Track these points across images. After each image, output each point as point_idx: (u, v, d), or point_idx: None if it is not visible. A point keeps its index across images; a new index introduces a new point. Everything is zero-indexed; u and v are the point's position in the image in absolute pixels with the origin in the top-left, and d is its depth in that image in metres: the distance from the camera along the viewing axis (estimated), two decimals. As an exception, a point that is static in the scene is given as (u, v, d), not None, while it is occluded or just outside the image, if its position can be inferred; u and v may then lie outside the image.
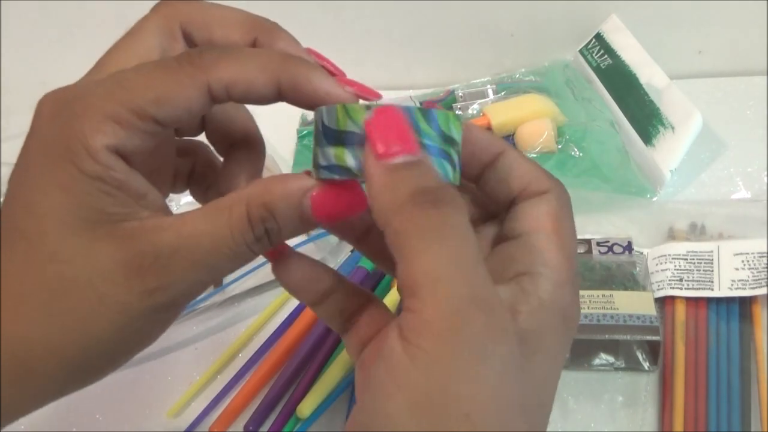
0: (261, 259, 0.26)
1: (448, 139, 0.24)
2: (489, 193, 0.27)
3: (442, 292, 0.20)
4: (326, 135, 0.23)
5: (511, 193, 0.26)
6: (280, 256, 0.27)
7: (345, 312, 0.28)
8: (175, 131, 0.30)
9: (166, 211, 0.25)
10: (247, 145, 0.29)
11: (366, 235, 0.28)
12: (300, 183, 0.24)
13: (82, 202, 0.23)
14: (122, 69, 0.24)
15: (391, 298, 0.47)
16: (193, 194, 0.32)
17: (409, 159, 0.22)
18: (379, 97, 0.26)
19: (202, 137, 0.31)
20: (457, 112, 0.66)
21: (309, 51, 0.27)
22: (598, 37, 0.65)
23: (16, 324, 0.23)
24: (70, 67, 0.73)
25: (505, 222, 0.26)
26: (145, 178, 0.24)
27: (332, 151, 0.23)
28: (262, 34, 0.27)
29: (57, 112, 0.23)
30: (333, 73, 0.26)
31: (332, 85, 0.25)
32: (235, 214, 0.23)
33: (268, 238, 0.24)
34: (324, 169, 0.24)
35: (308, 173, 0.24)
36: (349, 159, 0.23)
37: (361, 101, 0.25)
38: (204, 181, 0.31)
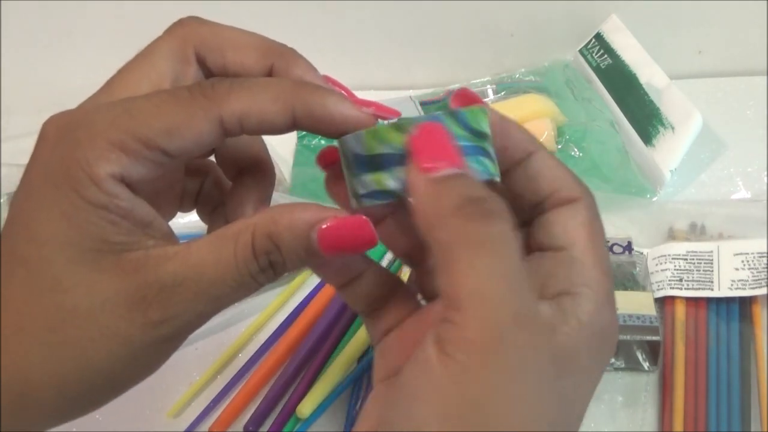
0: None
1: (480, 135, 0.23)
2: (516, 194, 0.26)
3: (485, 310, 0.20)
4: (359, 163, 0.23)
5: (539, 196, 0.25)
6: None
7: (371, 296, 0.27)
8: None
9: (172, 238, 0.24)
10: (256, 171, 0.29)
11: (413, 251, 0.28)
12: (308, 215, 0.23)
13: (85, 231, 0.22)
14: (132, 96, 0.24)
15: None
16: (199, 214, 0.31)
17: (455, 172, 0.22)
18: (397, 115, 0.25)
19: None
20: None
21: (326, 78, 0.27)
22: (598, 37, 0.65)
23: (14, 354, 0.22)
24: (70, 67, 0.74)
25: (535, 228, 0.26)
26: (152, 199, 0.24)
27: (370, 177, 0.23)
28: (278, 60, 0.26)
29: (61, 137, 0.23)
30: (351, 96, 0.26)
31: (349, 108, 0.24)
32: (240, 244, 0.23)
33: (272, 270, 0.23)
34: (365, 198, 0.23)
35: (316, 205, 0.24)
36: (390, 182, 0.23)
37: (383, 121, 0.24)
38: (211, 201, 0.31)
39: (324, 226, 0.23)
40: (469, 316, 0.20)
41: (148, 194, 0.24)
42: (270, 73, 0.26)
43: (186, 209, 0.30)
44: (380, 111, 0.25)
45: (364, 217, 0.23)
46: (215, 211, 0.31)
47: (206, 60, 0.26)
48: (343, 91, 0.26)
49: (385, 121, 0.23)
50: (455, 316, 0.20)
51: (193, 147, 0.23)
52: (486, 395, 0.19)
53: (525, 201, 0.26)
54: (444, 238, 0.21)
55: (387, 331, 0.27)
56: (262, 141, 0.29)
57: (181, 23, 0.27)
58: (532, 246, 0.26)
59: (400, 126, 0.23)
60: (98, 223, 0.22)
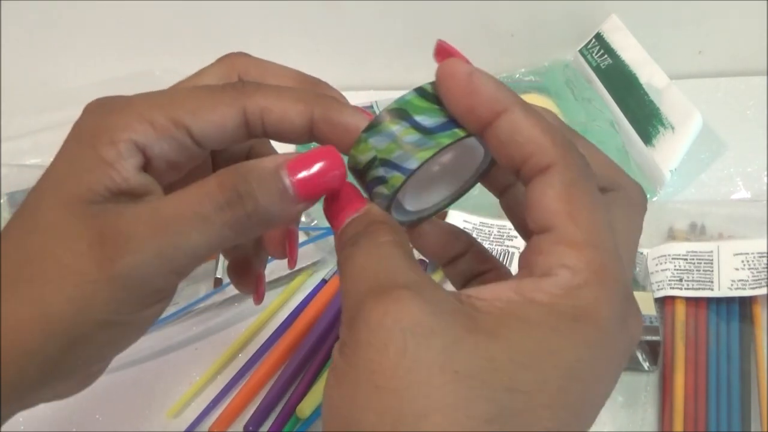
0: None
1: (416, 126, 0.23)
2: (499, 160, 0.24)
3: (348, 298, 0.21)
4: (356, 176, 0.25)
5: (513, 165, 0.22)
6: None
7: (468, 273, 0.28)
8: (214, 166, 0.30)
9: None
10: None
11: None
12: (276, 158, 0.24)
13: (81, 178, 0.23)
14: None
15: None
16: (223, 252, 0.33)
17: (348, 219, 0.24)
18: None
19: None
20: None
21: (357, 109, 0.27)
22: (598, 37, 0.65)
23: None
24: (70, 67, 0.74)
25: (525, 208, 0.23)
26: None
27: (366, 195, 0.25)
28: (316, 108, 0.27)
29: (99, 108, 0.25)
30: None
31: (363, 119, 0.25)
32: (205, 182, 0.23)
33: (242, 206, 0.23)
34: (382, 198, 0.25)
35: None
36: (383, 188, 0.24)
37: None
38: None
39: (291, 160, 0.23)
40: (343, 307, 0.22)
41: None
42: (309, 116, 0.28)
43: None
44: None
45: (331, 147, 0.24)
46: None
47: None
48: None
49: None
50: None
51: (217, 132, 0.24)
52: (356, 353, 0.20)
53: (510, 172, 0.23)
54: (338, 272, 0.23)
55: None
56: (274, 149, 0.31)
57: (229, 54, 0.29)
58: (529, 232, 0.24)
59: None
60: (97, 173, 0.23)
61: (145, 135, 0.23)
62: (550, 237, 0.21)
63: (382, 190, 0.24)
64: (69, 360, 0.23)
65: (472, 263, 0.28)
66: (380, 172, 0.23)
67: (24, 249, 0.23)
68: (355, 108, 0.26)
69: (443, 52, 0.24)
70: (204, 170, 0.29)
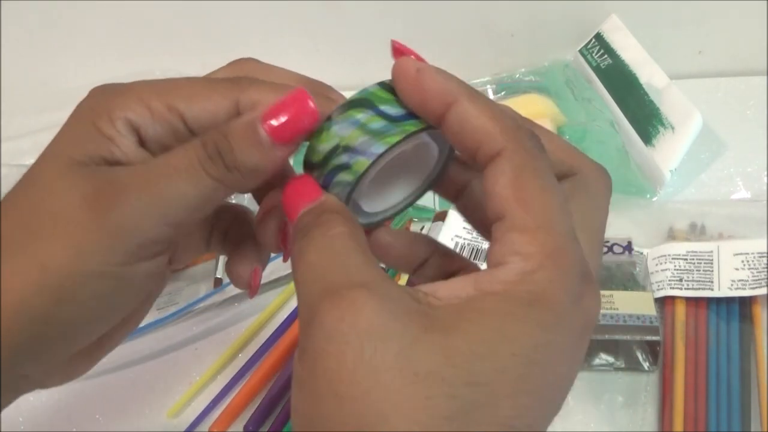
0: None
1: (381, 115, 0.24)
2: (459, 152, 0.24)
3: (301, 296, 0.22)
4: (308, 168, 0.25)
5: (469, 156, 0.22)
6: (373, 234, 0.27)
7: (439, 277, 0.27)
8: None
9: None
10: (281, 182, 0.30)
11: (462, 192, 0.28)
12: (252, 112, 0.25)
13: (82, 146, 0.24)
14: None
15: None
16: (223, 248, 0.32)
17: (303, 210, 0.24)
18: None
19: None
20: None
21: None
22: (598, 37, 0.65)
23: None
24: (70, 67, 0.74)
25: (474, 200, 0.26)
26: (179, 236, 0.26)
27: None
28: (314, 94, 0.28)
29: (101, 91, 0.26)
30: None
31: None
32: (190, 142, 0.25)
33: (221, 159, 0.24)
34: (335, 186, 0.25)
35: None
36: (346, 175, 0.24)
37: None
38: (239, 241, 0.32)
39: (271, 118, 0.24)
40: (298, 304, 0.22)
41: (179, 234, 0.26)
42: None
43: (214, 248, 0.32)
44: None
45: (303, 92, 0.24)
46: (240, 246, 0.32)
47: None
48: None
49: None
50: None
51: (209, 120, 0.25)
52: (315, 362, 0.20)
53: (468, 161, 0.23)
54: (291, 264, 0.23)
55: None
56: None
57: (239, 59, 0.29)
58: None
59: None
60: (98, 145, 0.24)
61: (141, 116, 0.25)
62: (503, 225, 0.21)
63: (345, 177, 0.24)
64: (61, 315, 0.24)
65: (439, 266, 0.28)
66: (343, 159, 0.23)
67: (22, 207, 0.24)
68: (341, 97, 0.26)
69: (397, 51, 0.25)
70: None
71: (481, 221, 0.27)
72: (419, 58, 0.24)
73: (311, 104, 0.24)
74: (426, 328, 0.20)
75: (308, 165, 0.25)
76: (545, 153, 0.22)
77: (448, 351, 0.19)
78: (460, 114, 0.22)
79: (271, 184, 0.28)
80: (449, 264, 0.28)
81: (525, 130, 0.22)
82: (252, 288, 0.32)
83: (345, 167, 0.23)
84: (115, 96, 0.25)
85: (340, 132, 0.23)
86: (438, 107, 0.23)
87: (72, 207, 0.23)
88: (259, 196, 0.30)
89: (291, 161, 0.27)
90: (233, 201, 0.32)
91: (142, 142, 0.25)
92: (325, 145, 0.24)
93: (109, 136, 0.24)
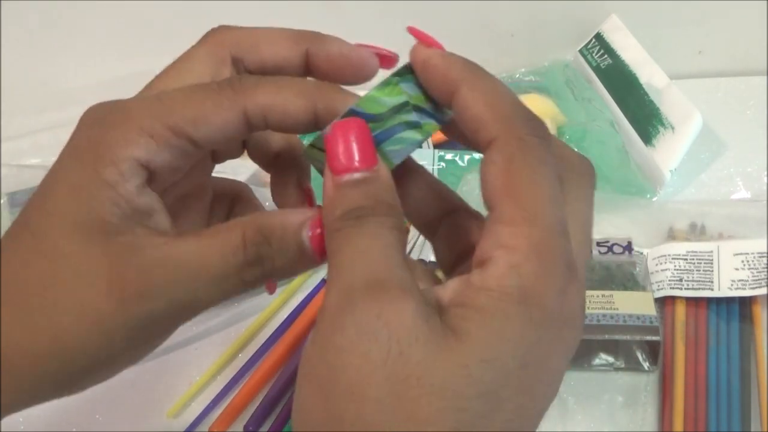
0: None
1: (401, 105, 0.23)
2: None
3: (339, 280, 0.20)
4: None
5: (468, 141, 0.23)
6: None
7: (460, 244, 0.26)
8: (213, 155, 0.29)
9: (168, 234, 0.25)
10: (289, 155, 0.29)
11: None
12: (300, 214, 0.23)
13: (87, 205, 0.23)
14: (166, 89, 0.25)
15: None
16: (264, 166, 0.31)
17: (353, 178, 0.22)
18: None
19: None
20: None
21: (360, 45, 0.27)
22: (598, 37, 0.65)
23: (4, 320, 0.23)
24: (70, 67, 0.74)
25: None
26: (177, 202, 0.25)
27: None
28: (311, 45, 0.26)
29: (96, 121, 0.24)
30: (389, 57, 0.27)
31: None
32: (230, 234, 0.23)
33: (261, 267, 0.23)
34: None
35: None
36: None
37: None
38: None
39: (313, 221, 0.23)
40: (329, 289, 0.21)
41: (174, 193, 0.25)
42: (306, 58, 0.27)
43: None
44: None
45: None
46: None
47: (243, 60, 0.27)
48: (382, 51, 0.27)
49: (319, 132, 0.23)
50: (326, 298, 0.21)
51: (219, 136, 0.24)
52: (337, 353, 0.19)
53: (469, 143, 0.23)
54: (330, 238, 0.22)
55: None
56: None
57: (213, 30, 0.27)
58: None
59: (318, 142, 0.23)
60: (101, 199, 0.23)
61: (147, 149, 0.23)
62: (491, 216, 0.21)
63: (413, 135, 0.23)
64: (79, 383, 0.24)
65: (460, 225, 0.26)
66: (413, 117, 0.23)
67: (35, 276, 0.23)
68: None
69: (415, 37, 0.25)
70: (205, 162, 0.29)
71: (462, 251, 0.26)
72: (435, 44, 0.24)
73: None
74: (443, 334, 0.19)
75: (362, 114, 0.23)
76: (545, 141, 0.21)
77: (462, 361, 0.19)
78: (460, 102, 0.22)
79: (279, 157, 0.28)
80: (471, 219, 0.26)
81: (521, 117, 0.21)
82: (270, 285, 0.31)
83: (414, 125, 0.23)
84: (114, 129, 0.23)
85: (408, 90, 0.23)
86: (444, 96, 0.23)
87: (96, 293, 0.23)
88: (262, 164, 0.29)
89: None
90: (231, 177, 0.31)
91: (151, 174, 0.24)
92: (391, 99, 0.23)
93: (112, 183, 0.23)
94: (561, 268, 0.20)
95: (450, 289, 0.21)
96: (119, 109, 0.24)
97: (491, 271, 0.20)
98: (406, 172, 0.26)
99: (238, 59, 0.27)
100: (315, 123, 0.24)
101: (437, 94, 0.23)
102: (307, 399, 0.20)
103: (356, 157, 0.22)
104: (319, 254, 0.23)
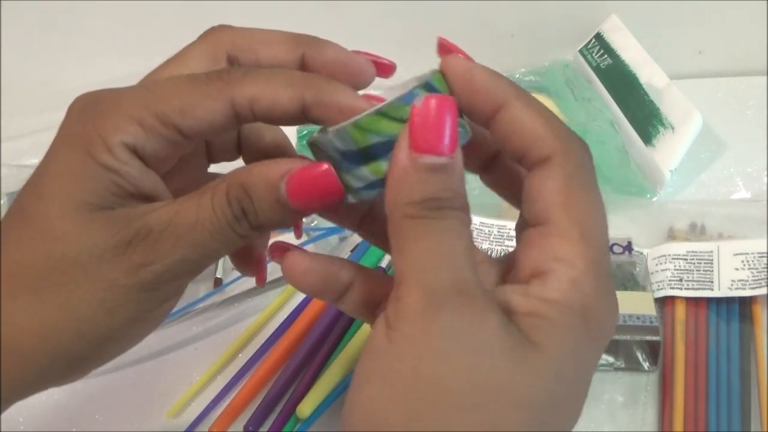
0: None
1: None
2: (504, 152, 0.24)
3: (423, 279, 0.20)
4: (350, 158, 0.23)
5: (514, 156, 0.23)
6: (284, 256, 0.26)
7: (370, 303, 0.26)
8: (209, 154, 0.30)
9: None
10: (282, 155, 0.29)
11: (365, 219, 0.28)
12: (279, 166, 0.24)
13: (87, 186, 0.23)
14: (155, 78, 0.25)
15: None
16: None
17: (442, 162, 0.21)
18: None
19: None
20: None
21: (357, 52, 0.27)
22: (598, 37, 0.65)
23: (6, 305, 0.23)
24: (70, 67, 0.74)
25: (522, 199, 0.24)
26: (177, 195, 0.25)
27: (365, 170, 0.23)
28: (308, 49, 0.26)
29: (84, 109, 0.24)
30: (387, 65, 0.27)
31: (358, 100, 0.24)
32: (216, 192, 0.24)
33: (247, 221, 0.24)
34: (364, 190, 0.23)
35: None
36: (387, 167, 0.22)
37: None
38: None
39: (291, 175, 0.23)
40: (410, 286, 0.20)
41: (174, 189, 0.25)
42: (302, 63, 0.27)
43: None
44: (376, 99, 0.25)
45: (326, 165, 0.23)
46: None
47: (239, 59, 0.27)
48: (380, 60, 0.27)
49: (367, 111, 0.23)
50: (399, 291, 0.21)
51: (206, 127, 0.24)
52: (424, 359, 0.19)
53: (513, 161, 0.24)
54: (398, 223, 0.21)
55: None
56: (282, 131, 0.30)
57: (212, 29, 0.28)
58: (524, 223, 0.24)
59: (386, 113, 0.22)
60: (103, 181, 0.23)
61: (135, 136, 0.23)
62: (545, 229, 0.21)
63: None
64: (95, 356, 0.25)
65: (366, 292, 0.26)
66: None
67: (37, 259, 0.23)
68: (347, 87, 0.25)
69: (444, 48, 0.25)
70: (198, 152, 0.29)
71: (511, 195, 0.26)
72: (467, 57, 0.24)
73: (337, 182, 0.23)
74: (521, 345, 0.20)
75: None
76: (592, 162, 0.23)
77: (540, 373, 0.20)
78: (511, 116, 0.22)
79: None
80: (377, 287, 0.26)
81: (576, 138, 0.22)
82: (260, 278, 0.31)
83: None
84: (103, 117, 0.24)
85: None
86: (488, 108, 0.23)
87: (104, 261, 0.23)
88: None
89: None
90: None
91: (142, 162, 0.24)
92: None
93: (113, 168, 0.23)
94: (610, 288, 0.22)
95: (509, 296, 0.21)
96: (108, 98, 0.24)
97: (554, 284, 0.21)
98: None
99: (234, 58, 0.27)
100: (303, 113, 0.24)
101: (477, 107, 0.23)
102: (381, 399, 0.20)
103: (446, 140, 0.21)
104: (294, 200, 0.23)
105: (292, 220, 0.24)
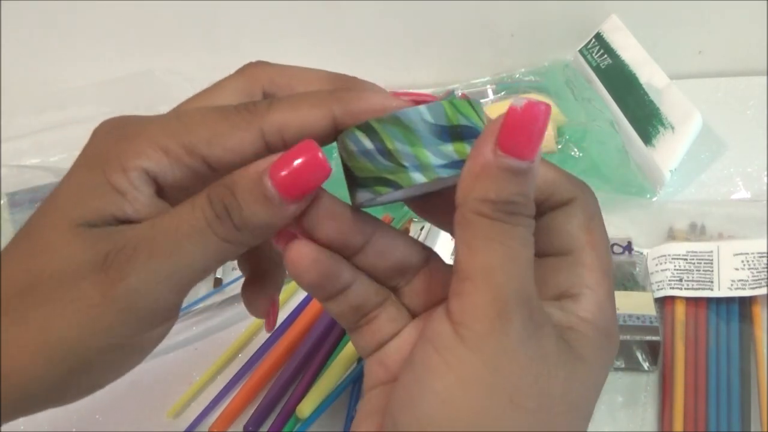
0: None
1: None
2: None
3: (494, 281, 0.21)
4: (436, 132, 0.23)
5: (536, 198, 0.24)
6: (289, 244, 0.25)
7: (360, 309, 0.26)
8: None
9: None
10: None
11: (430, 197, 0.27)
12: (264, 161, 0.23)
13: (91, 204, 0.23)
14: (184, 108, 0.25)
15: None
16: (240, 266, 0.31)
17: (523, 167, 0.21)
18: (434, 99, 0.25)
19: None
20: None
21: (397, 95, 0.26)
22: (598, 37, 0.65)
23: None
24: (70, 67, 0.74)
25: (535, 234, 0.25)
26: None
27: (451, 147, 0.23)
28: (346, 93, 0.26)
29: (110, 132, 0.24)
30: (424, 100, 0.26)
31: (387, 98, 0.24)
32: (198, 196, 0.23)
33: (230, 220, 0.23)
34: (443, 168, 0.23)
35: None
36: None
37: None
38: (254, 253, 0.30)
39: (274, 163, 0.22)
40: (480, 286, 0.21)
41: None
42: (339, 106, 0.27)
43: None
44: (419, 98, 0.25)
45: (309, 139, 0.23)
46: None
47: (275, 96, 0.27)
48: (422, 97, 0.26)
49: (452, 95, 0.23)
50: (466, 287, 0.21)
51: (233, 157, 0.23)
52: (501, 361, 0.21)
53: None
54: (471, 217, 0.22)
55: (381, 343, 0.27)
56: None
57: (250, 64, 0.27)
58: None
59: (473, 104, 0.23)
60: (107, 201, 0.23)
61: (158, 163, 0.23)
62: (570, 259, 0.24)
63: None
64: (72, 384, 0.24)
65: (360, 297, 0.26)
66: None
67: (27, 272, 0.23)
68: (373, 87, 0.25)
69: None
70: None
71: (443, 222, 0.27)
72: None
73: (321, 156, 0.22)
74: (572, 356, 0.22)
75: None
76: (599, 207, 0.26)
77: (586, 381, 0.23)
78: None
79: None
80: (373, 294, 0.26)
81: (585, 184, 0.25)
82: (270, 320, 0.30)
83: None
84: (127, 141, 0.23)
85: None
86: None
87: (80, 279, 0.22)
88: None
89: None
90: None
91: (159, 190, 0.24)
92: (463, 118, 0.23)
93: (122, 190, 0.23)
94: (616, 317, 0.25)
95: (548, 309, 0.24)
96: (135, 123, 0.24)
97: (585, 305, 0.24)
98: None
99: (270, 95, 0.27)
100: (334, 128, 0.24)
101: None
102: (456, 390, 0.21)
103: (534, 145, 0.21)
104: (281, 189, 0.22)
105: (281, 217, 0.23)
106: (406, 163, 0.23)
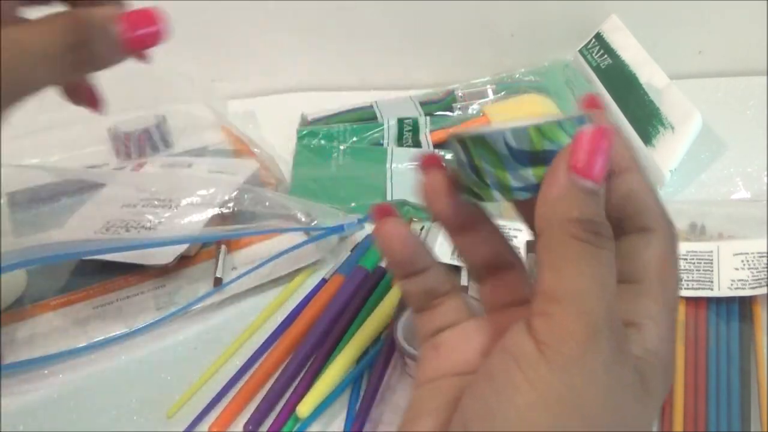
0: (262, 257, 0.26)
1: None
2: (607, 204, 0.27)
3: (585, 306, 0.21)
4: (518, 157, 0.24)
5: (620, 214, 0.25)
6: (385, 219, 0.27)
7: (431, 293, 0.28)
8: None
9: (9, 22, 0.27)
10: None
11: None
12: (110, 10, 0.27)
13: None
14: None
15: (392, 298, 0.47)
16: None
17: (595, 188, 0.22)
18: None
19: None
20: (457, 112, 0.66)
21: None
22: (598, 37, 0.65)
23: None
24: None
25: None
26: None
27: (530, 171, 0.24)
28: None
29: None
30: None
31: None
32: (53, 22, 0.25)
33: (87, 49, 0.26)
34: (520, 191, 0.24)
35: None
36: None
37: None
38: None
39: (123, 14, 0.27)
40: (568, 309, 0.21)
41: None
42: None
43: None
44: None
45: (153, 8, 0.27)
46: None
47: None
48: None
49: (548, 119, 0.24)
50: (552, 308, 0.22)
51: None
52: (586, 385, 0.21)
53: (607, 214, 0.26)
54: (558, 239, 0.22)
55: (439, 329, 0.28)
56: None
57: None
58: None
59: (563, 126, 0.24)
60: None
61: None
62: (638, 288, 0.24)
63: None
64: None
65: (432, 283, 0.28)
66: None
67: None
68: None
69: (590, 104, 0.26)
70: None
71: (485, 259, 0.28)
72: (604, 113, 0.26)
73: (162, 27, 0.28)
74: (641, 389, 0.23)
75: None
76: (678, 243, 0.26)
77: (650, 412, 0.23)
78: (632, 183, 0.25)
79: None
80: (443, 283, 0.28)
81: (670, 218, 0.25)
82: (95, 103, 0.35)
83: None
84: None
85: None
86: (613, 167, 0.25)
87: None
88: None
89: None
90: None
91: None
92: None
93: None
94: (674, 352, 0.25)
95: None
96: None
97: (648, 336, 0.24)
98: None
99: None
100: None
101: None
102: (536, 408, 0.21)
103: (600, 167, 0.22)
104: (129, 46, 0.27)
105: (121, 58, 0.27)
106: (488, 181, 0.24)
